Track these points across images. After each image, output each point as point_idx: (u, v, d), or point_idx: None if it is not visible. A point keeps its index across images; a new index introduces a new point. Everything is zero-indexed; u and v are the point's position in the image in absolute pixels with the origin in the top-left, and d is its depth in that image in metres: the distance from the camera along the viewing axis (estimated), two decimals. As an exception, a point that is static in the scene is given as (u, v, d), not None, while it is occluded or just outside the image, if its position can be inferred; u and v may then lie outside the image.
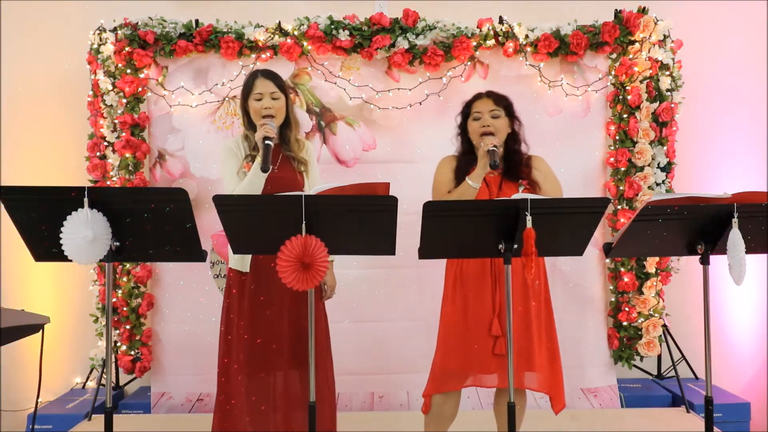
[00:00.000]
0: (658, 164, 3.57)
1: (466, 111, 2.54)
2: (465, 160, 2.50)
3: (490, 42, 3.53)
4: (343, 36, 3.47)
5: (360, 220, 1.97)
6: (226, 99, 3.60)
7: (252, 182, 2.39)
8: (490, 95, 2.53)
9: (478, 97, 2.54)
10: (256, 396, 2.51)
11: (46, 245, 1.93)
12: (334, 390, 2.63)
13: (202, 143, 3.61)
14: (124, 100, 3.53)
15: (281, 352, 2.49)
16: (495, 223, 2.00)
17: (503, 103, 2.52)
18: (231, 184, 2.49)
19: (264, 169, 2.30)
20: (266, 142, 2.34)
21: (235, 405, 2.51)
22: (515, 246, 1.99)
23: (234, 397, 2.52)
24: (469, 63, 3.59)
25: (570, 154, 3.62)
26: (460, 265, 2.43)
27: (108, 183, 3.52)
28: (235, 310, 2.53)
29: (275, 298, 2.48)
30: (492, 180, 2.45)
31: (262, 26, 3.54)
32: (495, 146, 2.34)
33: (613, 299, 3.65)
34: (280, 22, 3.53)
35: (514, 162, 2.48)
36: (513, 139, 2.53)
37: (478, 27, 3.54)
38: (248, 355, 2.49)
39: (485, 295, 2.37)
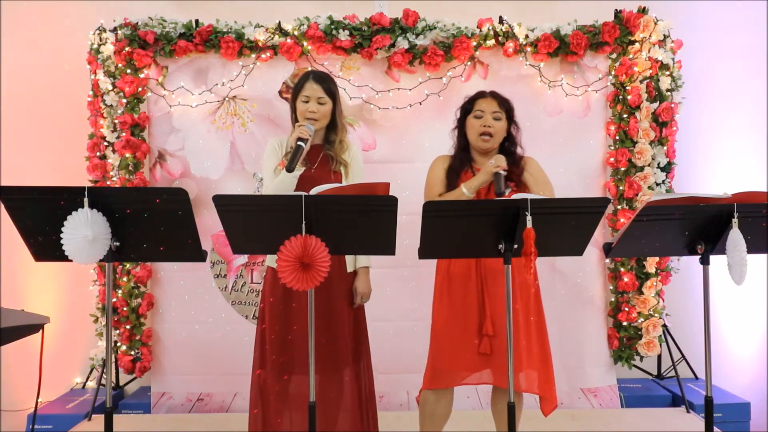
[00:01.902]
0: (658, 164, 3.57)
1: (468, 107, 2.53)
2: (459, 159, 2.50)
3: (490, 42, 3.53)
4: (343, 36, 3.47)
5: (360, 220, 1.97)
6: (226, 99, 3.60)
7: (282, 181, 2.41)
8: (495, 96, 2.52)
9: (481, 95, 2.53)
10: (287, 397, 2.50)
11: (46, 245, 1.93)
12: (374, 394, 2.63)
13: (202, 143, 3.61)
14: (124, 100, 3.53)
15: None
16: (495, 223, 1.99)
17: (506, 106, 2.52)
18: (267, 181, 2.53)
19: (288, 170, 2.33)
20: (298, 143, 2.38)
21: (267, 405, 2.50)
22: (515, 246, 1.99)
23: (268, 400, 2.51)
24: (469, 63, 3.59)
25: (570, 154, 3.63)
26: (448, 265, 2.42)
27: (108, 183, 3.52)
28: (269, 309, 2.53)
29: (305, 298, 2.45)
30: None
31: (262, 26, 3.53)
32: (504, 170, 2.34)
33: (613, 299, 3.65)
34: (280, 22, 3.53)
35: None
36: (509, 142, 2.54)
37: (478, 27, 3.54)
38: (281, 356, 2.48)
39: (471, 295, 2.37)
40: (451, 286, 2.42)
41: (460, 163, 2.48)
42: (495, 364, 2.36)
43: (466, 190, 2.37)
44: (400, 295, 3.56)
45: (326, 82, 2.55)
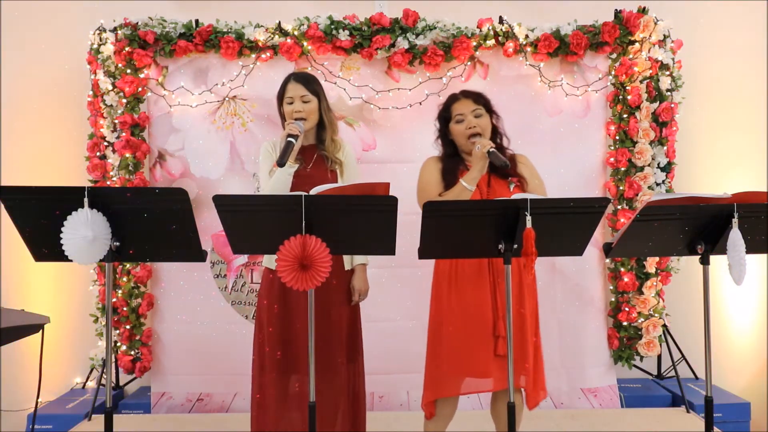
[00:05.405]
0: (658, 164, 3.57)
1: (446, 115, 2.50)
2: (451, 162, 2.48)
3: (490, 42, 3.53)
4: (343, 36, 3.47)
5: (360, 220, 1.97)
6: (226, 99, 3.60)
7: (278, 179, 2.42)
8: (468, 95, 2.51)
9: (455, 99, 2.51)
10: (286, 397, 2.51)
11: (46, 245, 1.93)
12: (364, 394, 2.64)
13: (202, 143, 3.61)
14: (124, 100, 3.53)
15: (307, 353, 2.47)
16: (495, 223, 1.99)
17: (482, 101, 2.50)
18: (263, 183, 2.54)
19: (279, 164, 2.34)
20: (288, 139, 2.39)
21: (268, 406, 2.51)
22: (515, 246, 1.99)
23: (266, 398, 2.51)
24: (469, 63, 3.59)
25: (570, 154, 3.63)
26: (455, 265, 2.39)
27: (108, 183, 3.52)
28: (266, 310, 2.53)
29: (302, 297, 2.45)
30: (481, 178, 2.39)
31: (262, 26, 3.54)
32: (493, 147, 2.32)
33: (613, 299, 3.65)
34: (280, 22, 3.53)
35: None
36: (495, 135, 2.52)
37: (478, 27, 3.54)
38: (277, 356, 2.49)
39: (484, 296, 2.34)
40: (459, 286, 2.37)
41: (455, 163, 2.46)
42: (502, 368, 2.34)
43: (466, 184, 2.33)
44: (399, 295, 3.56)
45: (307, 81, 2.56)
